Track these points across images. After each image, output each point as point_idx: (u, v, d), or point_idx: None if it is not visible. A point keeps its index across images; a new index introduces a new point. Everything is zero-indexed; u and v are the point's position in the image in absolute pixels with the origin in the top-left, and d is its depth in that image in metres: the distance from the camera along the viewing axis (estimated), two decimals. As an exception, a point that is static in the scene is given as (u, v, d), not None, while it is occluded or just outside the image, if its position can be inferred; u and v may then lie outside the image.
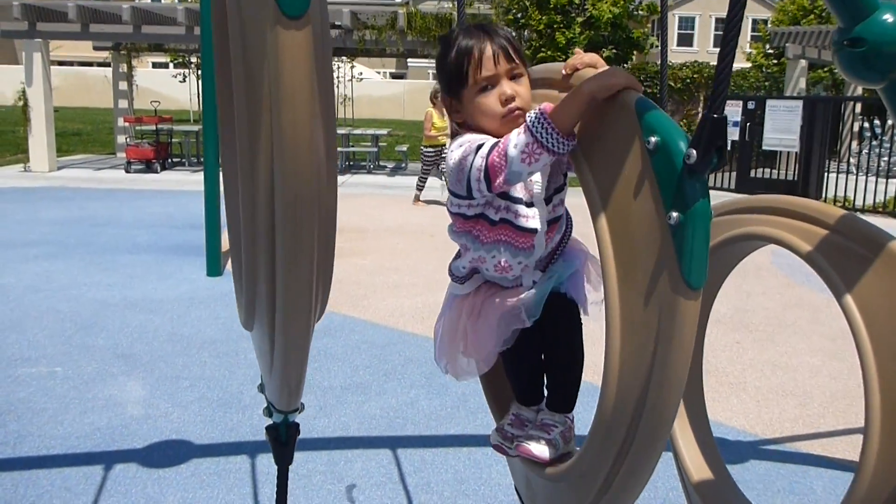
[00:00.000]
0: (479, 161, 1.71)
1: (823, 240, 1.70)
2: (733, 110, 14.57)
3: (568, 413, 2.10)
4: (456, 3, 2.15)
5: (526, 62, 1.86)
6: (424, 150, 12.36)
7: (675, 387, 1.40)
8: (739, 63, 27.26)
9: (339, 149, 16.92)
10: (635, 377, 1.43)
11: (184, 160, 17.31)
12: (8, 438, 3.77)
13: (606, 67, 1.67)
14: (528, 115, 1.68)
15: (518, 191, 1.83)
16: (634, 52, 20.11)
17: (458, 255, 1.98)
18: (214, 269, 7.34)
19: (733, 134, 14.59)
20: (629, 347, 1.46)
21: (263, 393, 2.17)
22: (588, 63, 1.72)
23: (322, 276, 1.37)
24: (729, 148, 14.73)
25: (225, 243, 8.27)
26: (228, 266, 7.66)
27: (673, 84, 15.42)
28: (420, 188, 12.62)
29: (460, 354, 2.03)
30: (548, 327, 2.06)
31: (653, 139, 1.40)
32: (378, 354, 5.15)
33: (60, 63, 35.79)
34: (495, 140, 1.73)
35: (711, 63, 16.56)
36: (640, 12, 20.05)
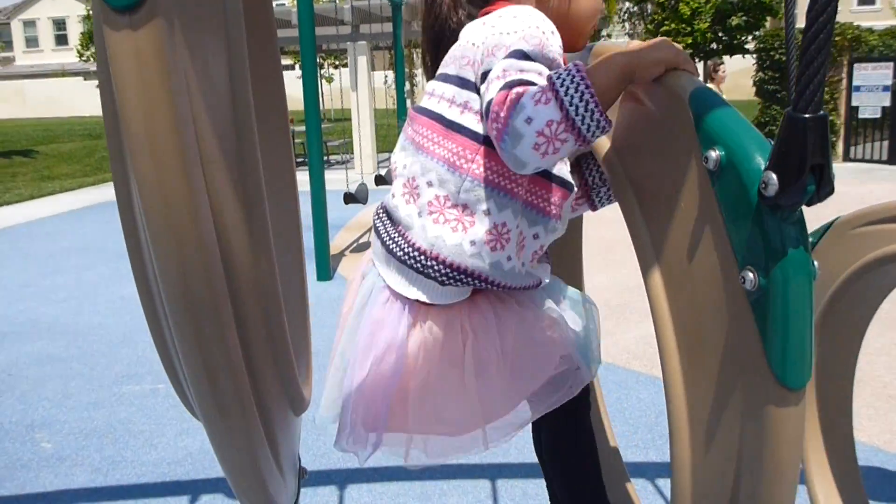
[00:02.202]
0: (497, 80, 1.16)
1: None
2: (883, 73, 13.25)
3: None
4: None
5: None
6: None
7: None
8: (888, 20, 24.96)
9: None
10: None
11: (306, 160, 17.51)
12: (102, 464, 3.70)
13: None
14: (558, 76, 1.12)
15: None
16: (767, 18, 18.67)
17: (447, 223, 1.30)
18: (324, 272, 7.21)
19: (884, 100, 13.26)
20: (704, 466, 0.99)
21: None
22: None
23: (277, 368, 1.02)
24: (879, 115, 13.38)
25: (334, 246, 8.17)
26: (340, 269, 7.54)
27: (812, 49, 14.12)
28: None
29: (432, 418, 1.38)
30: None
31: (713, 154, 0.91)
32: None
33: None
34: (534, 72, 1.17)
35: (855, 23, 15.09)
36: (773, -26, 18.61)
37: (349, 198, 8.39)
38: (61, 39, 49.45)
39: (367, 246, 8.76)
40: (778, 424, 0.91)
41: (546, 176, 1.32)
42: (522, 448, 3.70)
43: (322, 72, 23.04)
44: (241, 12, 0.89)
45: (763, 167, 0.89)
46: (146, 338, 5.15)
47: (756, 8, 18.12)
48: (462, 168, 1.28)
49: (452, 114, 1.31)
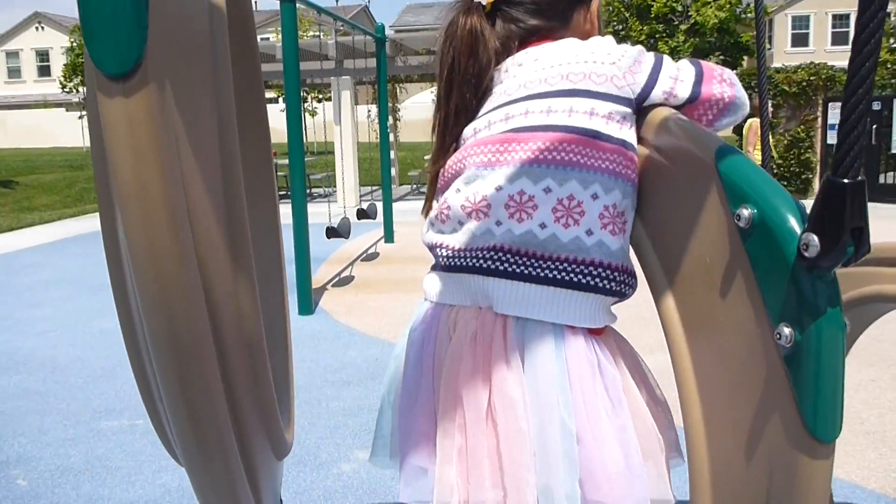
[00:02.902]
0: (683, 61, 1.43)
1: None
2: (857, 112, 13.58)
3: None
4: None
5: None
6: None
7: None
8: (863, 60, 25.50)
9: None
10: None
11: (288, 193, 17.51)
12: (79, 502, 3.65)
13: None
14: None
15: None
16: (744, 58, 19.05)
17: (612, 230, 1.28)
18: (305, 307, 7.19)
19: (859, 138, 13.58)
20: None
21: None
22: None
23: (261, 414, 1.04)
24: (854, 153, 13.66)
25: (316, 280, 8.16)
26: (321, 303, 7.52)
27: (788, 88, 14.43)
28: None
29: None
30: None
31: (745, 212, 0.94)
32: (465, 401, 4.81)
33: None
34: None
35: (829, 63, 15.42)
36: (749, 14, 18.99)
37: (331, 232, 8.41)
38: (44, 70, 49.38)
39: (349, 280, 8.72)
40: (809, 476, 0.93)
41: None
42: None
43: (306, 105, 23.24)
44: (230, 72, 0.93)
45: (797, 228, 0.92)
46: (125, 372, 5.10)
47: (733, 48, 18.51)
48: (622, 175, 1.29)
49: (596, 124, 1.30)
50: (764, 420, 0.96)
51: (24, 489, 3.78)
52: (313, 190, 17.21)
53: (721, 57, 18.25)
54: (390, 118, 14.16)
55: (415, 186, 17.92)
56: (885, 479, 3.61)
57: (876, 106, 13.64)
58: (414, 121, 24.37)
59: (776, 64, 25.04)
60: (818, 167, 14.22)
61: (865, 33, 0.83)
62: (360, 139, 15.57)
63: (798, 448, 0.92)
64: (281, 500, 1.71)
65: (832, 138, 13.77)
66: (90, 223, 14.19)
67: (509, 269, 1.29)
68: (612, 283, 1.27)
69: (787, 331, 0.92)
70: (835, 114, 13.75)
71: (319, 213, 9.52)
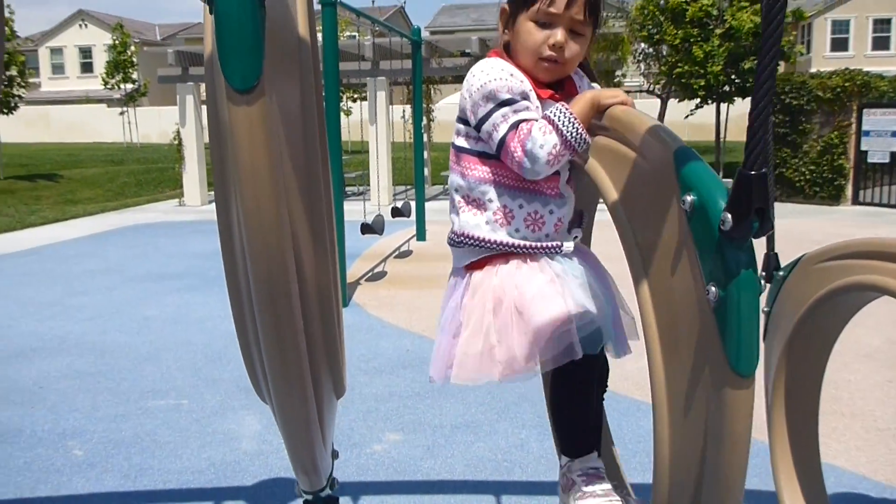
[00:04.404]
0: (501, 124, 1.67)
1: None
2: (893, 119, 13.49)
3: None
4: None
5: (596, 31, 1.82)
6: None
7: (732, 490, 1.19)
8: (901, 67, 25.24)
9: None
10: (687, 473, 1.23)
11: (324, 190, 17.81)
12: (131, 471, 3.94)
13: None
14: (553, 113, 1.63)
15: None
16: (780, 63, 19.03)
17: (469, 210, 1.79)
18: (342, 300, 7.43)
19: (894, 145, 13.50)
20: (679, 439, 1.26)
21: None
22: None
23: (327, 355, 1.28)
24: (888, 160, 13.61)
25: (350, 275, 8.44)
26: (355, 297, 7.78)
27: (822, 94, 14.42)
28: None
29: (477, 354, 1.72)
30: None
31: (689, 198, 1.21)
32: (492, 391, 5.02)
33: (216, 101, 37.95)
34: (524, 109, 1.69)
35: (865, 69, 15.38)
36: (786, 20, 18.95)
37: (366, 228, 8.65)
38: (87, 67, 50.45)
39: (381, 275, 8.95)
40: (733, 404, 1.18)
41: None
42: (526, 467, 3.91)
43: (341, 104, 23.56)
44: (312, 83, 1.17)
45: (723, 209, 1.17)
46: (170, 356, 5.43)
47: (768, 52, 18.45)
48: (468, 175, 1.79)
49: (461, 142, 1.82)
50: (702, 361, 1.22)
51: (81, 458, 4.09)
52: (347, 188, 17.54)
53: (755, 61, 18.23)
54: (424, 119, 14.43)
55: (446, 187, 18.10)
56: (894, 472, 3.76)
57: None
58: (447, 122, 24.60)
59: (813, 69, 24.86)
60: (851, 173, 14.18)
61: (767, 57, 1.06)
62: (394, 139, 15.82)
63: (725, 381, 1.18)
64: (335, 450, 1.94)
65: (866, 145, 13.72)
66: (131, 216, 14.66)
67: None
68: (458, 242, 1.79)
69: (713, 289, 1.18)
70: (869, 120, 13.69)
71: (353, 211, 9.80)
